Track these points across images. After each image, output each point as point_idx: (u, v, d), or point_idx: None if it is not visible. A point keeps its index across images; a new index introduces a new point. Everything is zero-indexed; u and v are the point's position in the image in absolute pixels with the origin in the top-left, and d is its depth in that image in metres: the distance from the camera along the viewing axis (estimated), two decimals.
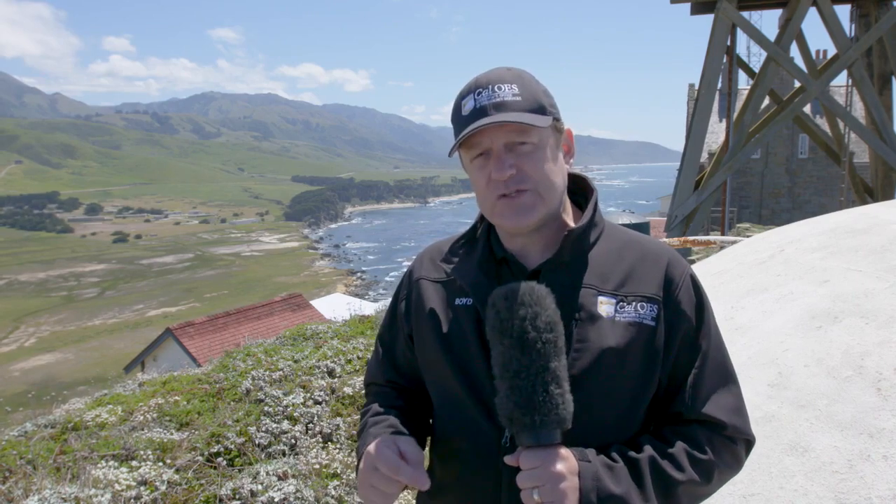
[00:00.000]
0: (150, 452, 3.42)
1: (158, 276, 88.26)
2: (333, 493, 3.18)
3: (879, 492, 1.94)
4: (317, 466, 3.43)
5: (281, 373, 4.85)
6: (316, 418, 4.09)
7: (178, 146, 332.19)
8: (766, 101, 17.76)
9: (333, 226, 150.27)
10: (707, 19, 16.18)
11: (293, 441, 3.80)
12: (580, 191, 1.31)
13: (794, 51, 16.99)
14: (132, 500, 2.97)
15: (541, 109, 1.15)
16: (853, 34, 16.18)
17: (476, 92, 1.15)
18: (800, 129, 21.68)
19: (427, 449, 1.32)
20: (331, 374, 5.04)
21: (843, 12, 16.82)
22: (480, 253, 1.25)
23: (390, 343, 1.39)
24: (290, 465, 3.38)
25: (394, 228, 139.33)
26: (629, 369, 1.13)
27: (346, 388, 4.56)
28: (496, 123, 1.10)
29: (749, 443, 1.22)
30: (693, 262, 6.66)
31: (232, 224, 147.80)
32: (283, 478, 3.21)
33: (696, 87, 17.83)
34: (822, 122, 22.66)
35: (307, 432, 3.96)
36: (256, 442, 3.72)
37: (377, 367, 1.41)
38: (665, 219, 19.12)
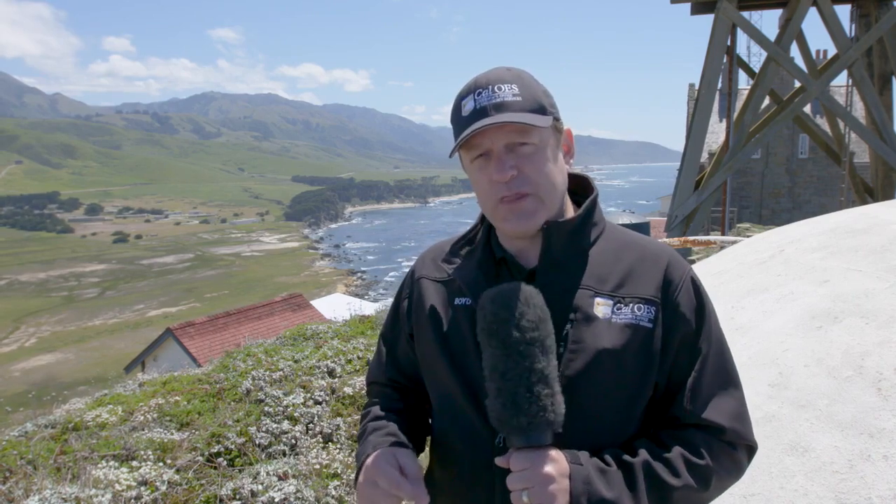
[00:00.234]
0: (150, 452, 3.42)
1: (159, 277, 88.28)
2: (334, 493, 3.18)
3: (880, 492, 1.94)
4: (317, 466, 3.43)
5: (281, 373, 4.86)
6: (316, 418, 4.09)
7: (178, 146, 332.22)
8: (767, 101, 17.75)
9: (334, 226, 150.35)
10: (707, 19, 16.19)
11: (293, 441, 3.80)
12: (582, 191, 1.29)
13: (795, 51, 17.00)
14: (132, 501, 2.97)
15: (541, 109, 1.14)
16: (853, 34, 16.17)
17: (476, 92, 1.14)
18: (800, 129, 21.68)
19: (428, 448, 1.32)
20: (331, 374, 5.04)
21: (844, 12, 16.85)
22: (480, 253, 1.25)
23: (392, 342, 1.39)
24: (291, 466, 3.38)
25: (394, 228, 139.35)
26: (625, 371, 1.12)
27: (346, 389, 4.56)
28: (496, 124, 1.09)
29: (751, 449, 1.20)
30: (693, 262, 6.66)
31: (232, 224, 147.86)
32: (283, 478, 3.21)
33: (697, 87, 17.82)
34: (823, 122, 22.66)
35: (307, 432, 3.96)
36: (257, 442, 3.72)
37: (379, 366, 1.41)
38: (665, 219, 19.12)
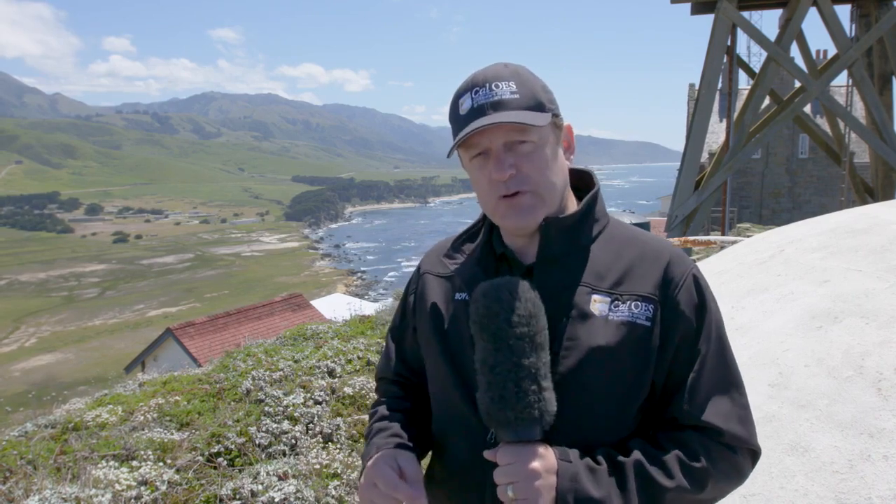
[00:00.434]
0: (150, 452, 3.42)
1: (159, 277, 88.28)
2: (334, 493, 3.18)
3: (880, 492, 1.94)
4: (317, 466, 3.43)
5: (281, 373, 4.86)
6: (316, 418, 4.09)
7: (178, 146, 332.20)
8: (767, 101, 17.75)
9: (334, 226, 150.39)
10: (707, 19, 16.19)
11: (293, 441, 3.80)
12: (585, 187, 1.27)
13: (795, 51, 17.01)
14: (132, 500, 2.97)
15: (539, 106, 1.13)
16: (853, 34, 16.18)
17: (473, 90, 1.13)
18: (800, 129, 21.68)
19: None
20: (331, 374, 5.04)
21: (844, 12, 16.85)
22: (481, 249, 1.25)
23: (399, 337, 1.40)
24: (291, 466, 3.38)
25: (394, 228, 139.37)
26: (619, 370, 1.10)
27: (346, 388, 4.56)
28: (494, 124, 1.08)
29: (754, 453, 1.17)
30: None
31: (232, 224, 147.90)
32: (283, 478, 3.21)
33: (697, 87, 17.82)
34: (823, 122, 22.66)
35: (307, 432, 3.96)
36: (257, 442, 3.72)
37: (387, 362, 1.42)
38: (665, 219, 19.12)
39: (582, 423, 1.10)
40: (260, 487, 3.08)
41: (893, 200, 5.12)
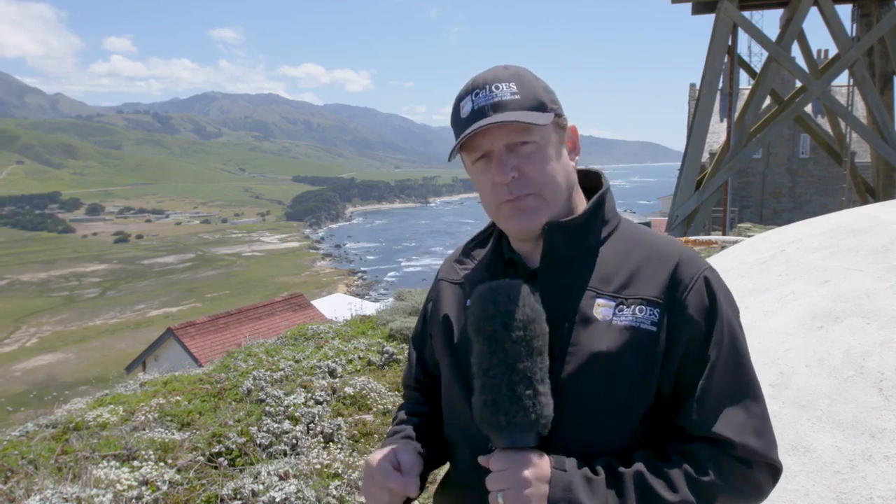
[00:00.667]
0: (151, 452, 3.42)
1: (160, 277, 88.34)
2: (335, 493, 3.18)
3: (881, 492, 1.94)
4: (318, 466, 3.43)
5: (282, 373, 4.86)
6: (317, 418, 4.09)
7: (179, 146, 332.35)
8: (768, 101, 17.74)
9: (334, 226, 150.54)
10: (708, 19, 16.19)
11: (294, 441, 3.80)
12: (595, 188, 1.22)
13: (796, 50, 17.00)
14: (134, 500, 2.97)
15: (541, 106, 1.11)
16: (854, 34, 16.17)
17: (473, 93, 1.11)
18: (801, 128, 21.67)
19: None
20: (332, 373, 5.04)
21: (845, 12, 16.85)
22: (490, 254, 1.25)
23: (420, 344, 1.40)
24: (292, 465, 3.38)
25: (395, 228, 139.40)
26: (622, 376, 1.06)
27: (347, 388, 4.56)
28: (494, 124, 1.07)
29: (774, 468, 1.08)
30: None
31: (233, 224, 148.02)
32: (284, 478, 3.21)
33: (698, 86, 17.82)
34: (824, 122, 22.64)
35: (308, 432, 3.96)
36: (258, 442, 3.72)
37: (409, 369, 1.43)
38: (666, 219, 19.11)
39: (582, 430, 1.07)
40: (261, 487, 3.08)
41: (894, 200, 5.11)
